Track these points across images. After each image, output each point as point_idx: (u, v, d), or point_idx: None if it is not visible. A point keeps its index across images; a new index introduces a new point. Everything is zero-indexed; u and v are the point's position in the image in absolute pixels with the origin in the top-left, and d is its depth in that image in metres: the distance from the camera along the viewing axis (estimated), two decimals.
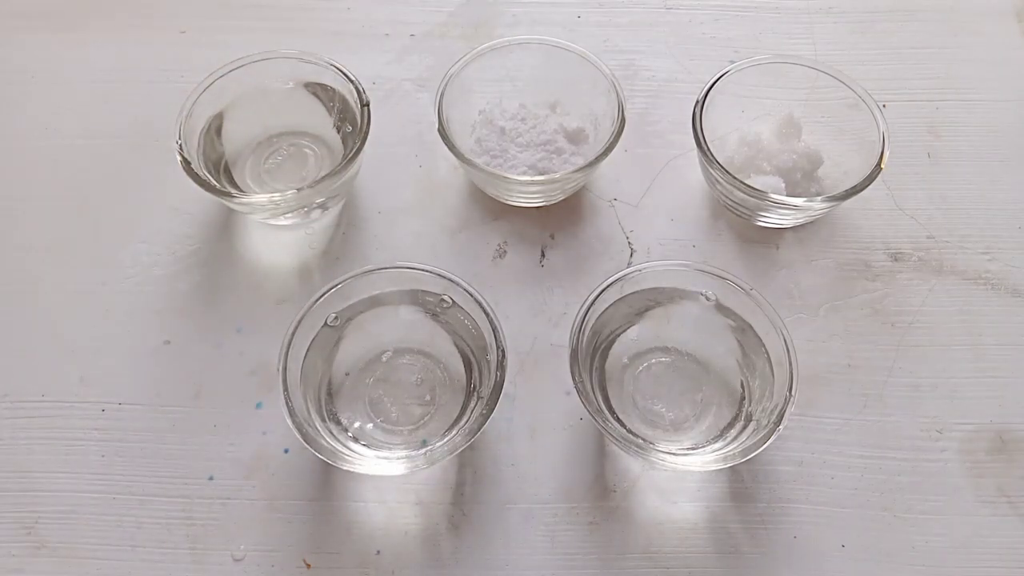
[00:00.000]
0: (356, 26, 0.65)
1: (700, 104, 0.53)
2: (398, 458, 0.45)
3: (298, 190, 0.50)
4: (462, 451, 0.44)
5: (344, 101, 0.54)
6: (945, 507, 0.47)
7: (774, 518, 0.46)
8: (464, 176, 0.57)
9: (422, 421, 0.48)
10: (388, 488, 0.47)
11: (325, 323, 0.47)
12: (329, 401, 0.48)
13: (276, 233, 0.56)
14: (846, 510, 0.47)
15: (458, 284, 0.47)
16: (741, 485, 0.47)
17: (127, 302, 0.53)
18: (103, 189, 0.57)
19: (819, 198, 0.51)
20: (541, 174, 0.53)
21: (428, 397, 0.49)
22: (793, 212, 0.52)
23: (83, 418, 0.49)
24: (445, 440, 0.44)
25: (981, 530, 0.46)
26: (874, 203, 0.56)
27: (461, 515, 0.47)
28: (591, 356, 0.47)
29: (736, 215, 0.55)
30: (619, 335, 0.49)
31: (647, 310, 0.50)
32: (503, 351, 0.45)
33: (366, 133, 0.52)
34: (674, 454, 0.44)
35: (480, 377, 0.47)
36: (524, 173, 0.54)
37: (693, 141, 0.53)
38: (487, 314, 0.46)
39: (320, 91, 0.55)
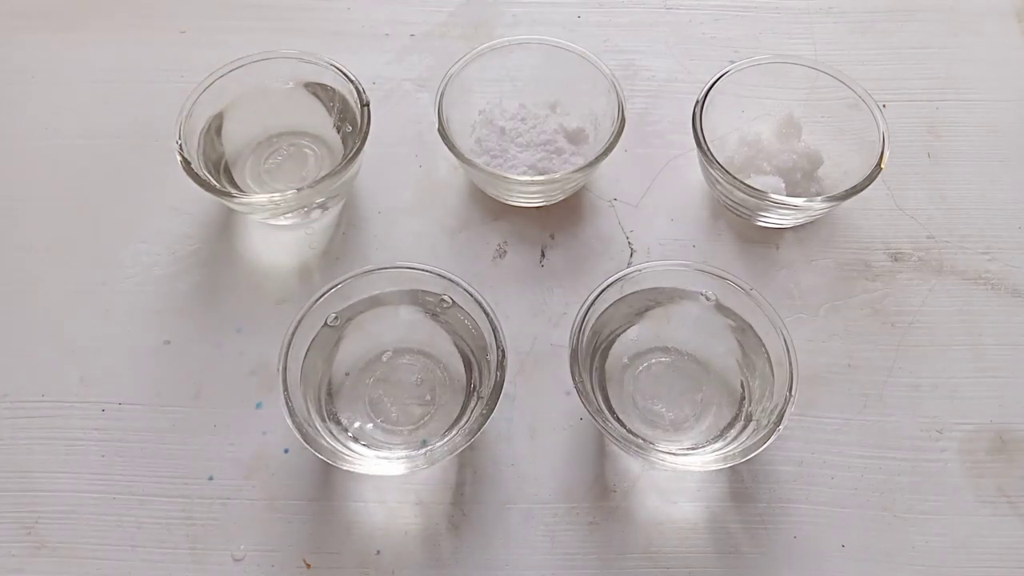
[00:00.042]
0: (356, 26, 0.65)
1: (700, 104, 0.53)
2: (398, 458, 0.45)
3: (298, 190, 0.50)
4: (462, 451, 0.44)
5: (344, 101, 0.54)
6: (945, 507, 0.47)
7: (774, 518, 0.46)
8: (464, 176, 0.57)
9: (422, 421, 0.48)
10: (388, 488, 0.47)
11: (325, 323, 0.47)
12: (329, 401, 0.48)
13: (276, 233, 0.56)
14: (846, 510, 0.47)
15: (458, 284, 0.47)
16: (741, 485, 0.47)
17: (127, 302, 0.53)
18: (103, 189, 0.57)
19: (819, 198, 0.51)
20: (541, 174, 0.53)
21: (428, 397, 0.49)
22: (793, 212, 0.52)
23: (83, 418, 0.49)
24: (445, 440, 0.44)
25: (981, 530, 0.46)
26: (874, 203, 0.56)
27: (461, 515, 0.47)
28: (591, 356, 0.47)
29: (736, 215, 0.55)
30: (619, 335, 0.49)
31: (647, 310, 0.50)
32: (503, 351, 0.45)
33: (366, 133, 0.52)
34: (674, 454, 0.44)
35: (480, 377, 0.47)
36: (524, 173, 0.54)
37: (693, 141, 0.53)
38: (487, 314, 0.46)
39: (320, 91, 0.55)
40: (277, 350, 0.45)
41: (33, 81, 0.62)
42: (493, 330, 0.45)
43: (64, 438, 0.49)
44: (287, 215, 0.53)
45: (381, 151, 0.57)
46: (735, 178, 0.51)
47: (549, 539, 0.46)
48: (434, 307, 0.49)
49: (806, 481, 0.47)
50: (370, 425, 0.48)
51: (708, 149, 0.52)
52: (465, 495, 0.47)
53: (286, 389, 0.44)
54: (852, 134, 0.54)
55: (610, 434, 0.44)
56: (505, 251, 0.55)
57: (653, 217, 0.56)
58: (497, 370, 0.44)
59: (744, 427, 0.46)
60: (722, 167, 0.52)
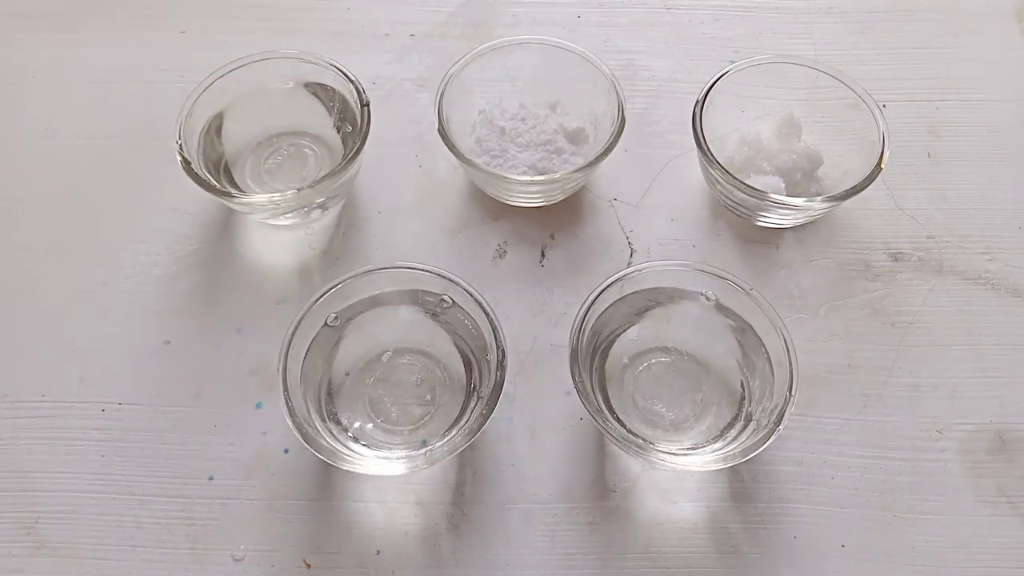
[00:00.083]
0: (356, 26, 0.65)
1: (700, 104, 0.53)
2: (398, 458, 0.45)
3: (298, 190, 0.50)
4: (462, 451, 0.44)
5: (344, 101, 0.54)
6: (945, 507, 0.47)
7: (774, 518, 0.46)
8: (464, 176, 0.57)
9: (422, 421, 0.48)
10: (388, 488, 0.47)
11: (325, 323, 0.47)
12: (329, 401, 0.48)
13: (276, 233, 0.56)
14: (846, 510, 0.47)
15: (458, 284, 0.47)
16: (741, 485, 0.47)
17: (127, 302, 0.53)
18: (103, 189, 0.57)
19: (819, 198, 0.51)
20: (541, 174, 0.53)
21: (428, 397, 0.49)
22: (793, 212, 0.52)
23: (83, 418, 0.49)
24: (445, 440, 0.44)
25: (981, 530, 0.46)
26: (874, 203, 0.56)
27: (461, 515, 0.47)
28: (591, 356, 0.47)
29: (736, 215, 0.55)
30: (619, 335, 0.49)
31: (647, 310, 0.50)
32: (503, 351, 0.45)
33: (366, 133, 0.52)
34: (674, 454, 0.44)
35: (480, 377, 0.47)
36: (524, 173, 0.54)
37: (693, 141, 0.53)
38: (487, 314, 0.46)
39: (320, 91, 0.55)
40: (277, 350, 0.45)
41: (33, 81, 0.62)
42: (493, 330, 0.45)
43: (64, 438, 0.49)
44: (287, 215, 0.53)
45: (381, 151, 0.57)
46: (735, 178, 0.51)
47: (549, 539, 0.46)
48: (434, 307, 0.49)
49: (806, 481, 0.47)
50: (370, 425, 0.48)
51: (708, 149, 0.52)
52: (465, 495, 0.47)
53: (286, 389, 0.44)
54: (852, 134, 0.54)
55: (610, 434, 0.44)
56: (505, 251, 0.55)
57: (653, 217, 0.56)
58: (497, 370, 0.44)
59: (744, 427, 0.46)
60: (722, 167, 0.52)
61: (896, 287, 0.54)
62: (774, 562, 0.45)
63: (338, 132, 0.55)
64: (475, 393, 0.47)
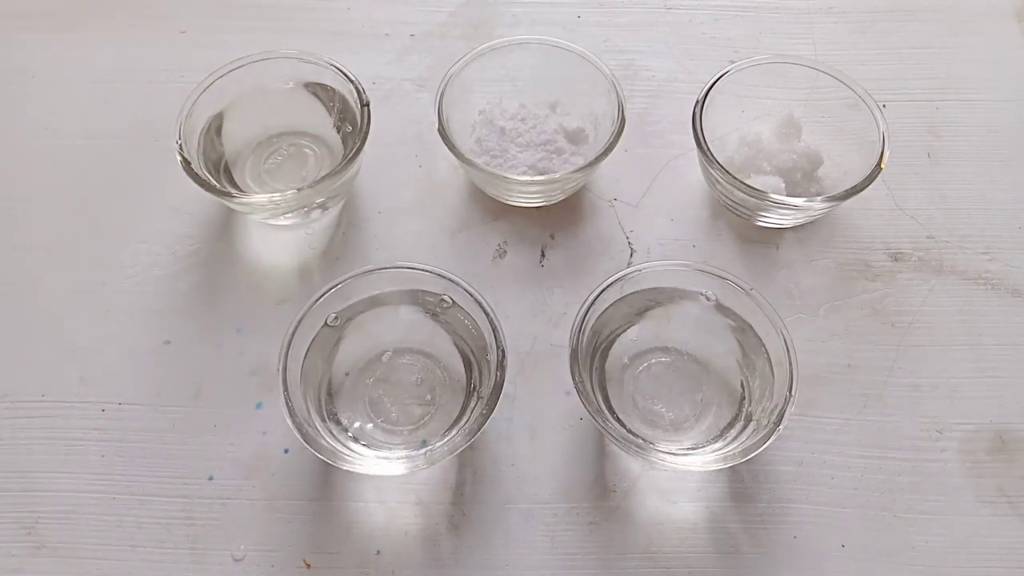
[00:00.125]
0: (356, 26, 0.65)
1: (700, 104, 0.53)
2: (398, 458, 0.45)
3: (298, 190, 0.50)
4: (462, 451, 0.44)
5: (344, 101, 0.54)
6: (945, 507, 0.47)
7: (774, 518, 0.46)
8: (464, 176, 0.57)
9: (422, 421, 0.48)
10: (388, 488, 0.47)
11: (325, 323, 0.47)
12: (329, 401, 0.48)
13: (276, 233, 0.56)
14: (846, 510, 0.47)
15: (458, 284, 0.47)
16: (741, 485, 0.47)
17: (127, 302, 0.53)
18: (103, 189, 0.57)
19: (819, 198, 0.51)
20: (541, 174, 0.53)
21: (428, 397, 0.49)
22: (793, 212, 0.52)
23: (83, 418, 0.49)
24: (445, 440, 0.44)
25: (981, 530, 0.46)
26: (874, 203, 0.56)
27: (461, 515, 0.47)
28: (591, 356, 0.47)
29: (736, 215, 0.55)
30: (619, 335, 0.49)
31: (647, 310, 0.50)
32: (503, 351, 0.45)
33: (366, 133, 0.52)
34: (674, 454, 0.44)
35: (480, 377, 0.47)
36: (524, 173, 0.54)
37: (693, 141, 0.53)
38: (487, 314, 0.46)
39: (320, 91, 0.55)
40: (277, 350, 0.45)
41: (33, 81, 0.62)
42: (493, 330, 0.45)
43: (64, 438, 0.49)
44: (287, 215, 0.53)
45: (381, 151, 0.57)
46: (735, 178, 0.51)
47: (549, 539, 0.46)
48: (434, 307, 0.49)
49: (806, 481, 0.47)
50: (370, 425, 0.48)
51: (708, 149, 0.52)
52: (465, 495, 0.47)
53: (286, 389, 0.44)
54: (852, 134, 0.54)
55: (610, 434, 0.44)
56: (505, 251, 0.55)
57: (653, 217, 0.56)
58: (497, 370, 0.44)
59: (744, 427, 0.46)
60: (722, 167, 0.52)
61: (896, 287, 0.54)
62: (774, 562, 0.45)
63: (338, 132, 0.55)
64: (475, 393, 0.47)
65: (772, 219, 0.54)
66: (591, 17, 0.66)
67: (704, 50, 0.64)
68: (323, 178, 0.50)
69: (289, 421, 0.43)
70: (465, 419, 0.46)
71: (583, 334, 0.46)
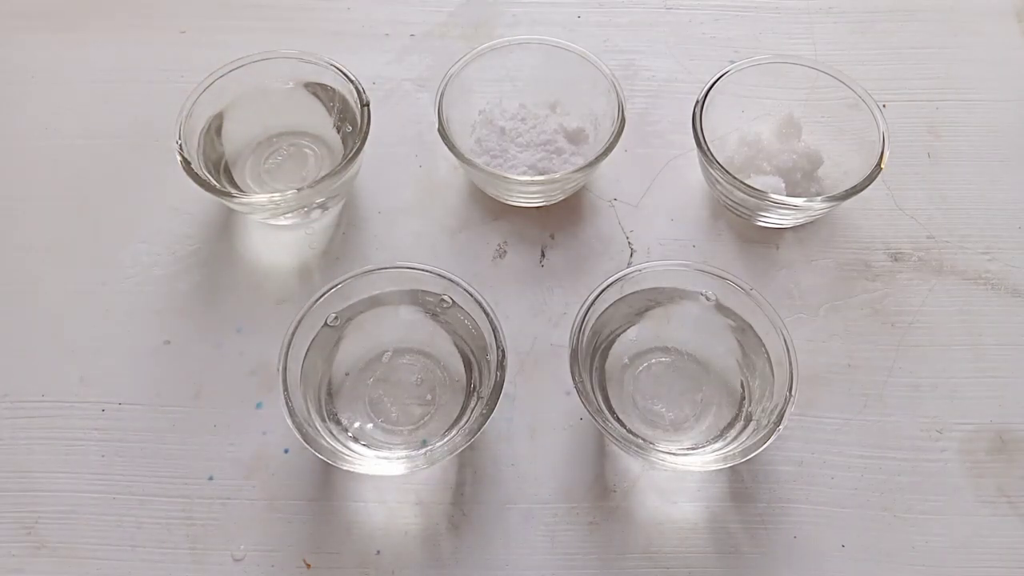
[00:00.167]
0: (356, 26, 0.65)
1: (700, 104, 0.53)
2: (398, 458, 0.45)
3: (298, 190, 0.50)
4: (462, 451, 0.44)
5: (344, 101, 0.54)
6: (945, 507, 0.47)
7: (774, 518, 0.46)
8: (464, 176, 0.57)
9: (422, 421, 0.48)
10: (388, 488, 0.47)
11: (325, 323, 0.47)
12: (329, 401, 0.48)
13: (276, 233, 0.56)
14: (846, 510, 0.47)
15: (458, 284, 0.47)
16: (741, 485, 0.47)
17: (127, 302, 0.53)
18: (103, 189, 0.57)
19: (819, 198, 0.51)
20: (541, 174, 0.53)
21: (428, 397, 0.49)
22: (793, 212, 0.52)
23: (83, 418, 0.49)
24: (445, 440, 0.44)
25: (981, 530, 0.46)
26: (874, 203, 0.56)
27: (461, 515, 0.47)
28: (591, 356, 0.47)
29: (736, 215, 0.55)
30: (619, 335, 0.49)
31: (647, 310, 0.50)
32: (503, 351, 0.45)
33: (366, 133, 0.52)
34: (674, 454, 0.44)
35: (480, 377, 0.47)
36: (524, 173, 0.54)
37: (693, 141, 0.53)
38: (487, 314, 0.46)
39: (320, 91, 0.55)
40: (277, 350, 0.45)
41: (33, 81, 0.62)
42: (493, 330, 0.45)
43: (64, 438, 0.49)
44: (287, 215, 0.53)
45: (381, 151, 0.57)
46: (735, 178, 0.51)
47: (549, 539, 0.46)
48: (434, 307, 0.49)
49: (806, 481, 0.47)
50: (370, 425, 0.48)
51: (708, 149, 0.52)
52: (465, 495, 0.47)
53: (286, 389, 0.44)
54: (852, 134, 0.54)
55: (610, 434, 0.44)
56: (505, 251, 0.55)
57: (653, 217, 0.56)
58: (497, 370, 0.44)
59: (744, 427, 0.46)
60: (722, 167, 0.52)
61: (896, 287, 0.54)
62: (774, 562, 0.45)
63: (338, 132, 0.55)
64: (475, 393, 0.47)
65: (772, 219, 0.54)
66: (591, 17, 0.66)
67: (704, 50, 0.64)
68: (323, 178, 0.50)
69: (289, 421, 0.43)
70: (465, 419, 0.46)
71: (583, 334, 0.46)
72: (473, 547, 0.46)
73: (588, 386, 0.45)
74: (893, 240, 0.55)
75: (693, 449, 0.46)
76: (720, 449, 0.45)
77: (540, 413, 0.49)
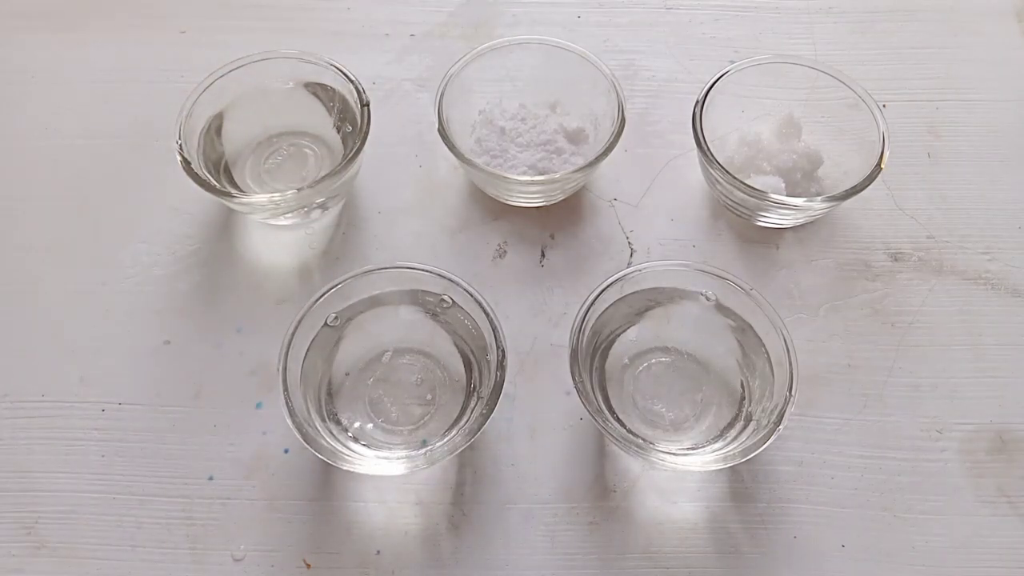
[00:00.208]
0: (356, 26, 0.65)
1: (700, 104, 0.53)
2: (398, 458, 0.45)
3: (298, 190, 0.50)
4: (462, 451, 0.44)
5: (344, 101, 0.54)
6: (945, 507, 0.47)
7: (774, 518, 0.46)
8: (464, 176, 0.57)
9: (422, 421, 0.48)
10: (388, 488, 0.47)
11: (325, 323, 0.47)
12: (329, 401, 0.48)
13: (276, 233, 0.56)
14: (846, 510, 0.47)
15: (458, 284, 0.47)
16: (741, 485, 0.47)
17: (127, 302, 0.53)
18: (103, 189, 0.57)
19: (819, 198, 0.51)
20: (541, 174, 0.53)
21: (428, 397, 0.49)
22: (793, 212, 0.52)
23: (83, 418, 0.49)
24: (445, 440, 0.44)
25: (981, 530, 0.46)
26: (874, 203, 0.56)
27: (461, 515, 0.47)
28: (591, 356, 0.47)
29: (736, 215, 0.55)
30: (619, 335, 0.49)
31: (647, 310, 0.50)
32: (503, 351, 0.45)
33: (366, 133, 0.52)
34: (674, 454, 0.44)
35: (480, 377, 0.47)
36: (524, 173, 0.54)
37: (693, 141, 0.53)
38: (487, 314, 0.46)
39: (320, 91, 0.55)
40: (277, 350, 0.45)
41: (33, 81, 0.62)
42: (493, 330, 0.45)
43: (64, 438, 0.49)
44: (287, 215, 0.53)
45: (381, 151, 0.57)
46: (735, 178, 0.51)
47: (549, 539, 0.46)
48: (434, 307, 0.49)
49: (806, 481, 0.47)
50: (370, 425, 0.48)
51: (708, 149, 0.52)
52: (465, 495, 0.47)
53: (286, 389, 0.44)
54: (852, 134, 0.54)
55: (610, 434, 0.44)
56: (505, 251, 0.55)
57: (653, 217, 0.56)
58: (497, 370, 0.44)
59: (744, 427, 0.46)
60: (722, 167, 0.52)
61: (896, 287, 0.54)
62: (774, 562, 0.45)
63: (338, 132, 0.55)
64: (475, 393, 0.47)
65: (772, 219, 0.54)
66: (591, 17, 0.66)
67: (704, 50, 0.64)
68: (323, 178, 0.50)
69: (289, 421, 0.43)
70: (465, 419, 0.46)
71: (583, 334, 0.46)
72: (473, 547, 0.46)
73: (588, 386, 0.45)
74: (893, 240, 0.55)
75: (693, 449, 0.46)
76: (720, 449, 0.45)
77: (540, 413, 0.49)
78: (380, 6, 0.66)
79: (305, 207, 0.53)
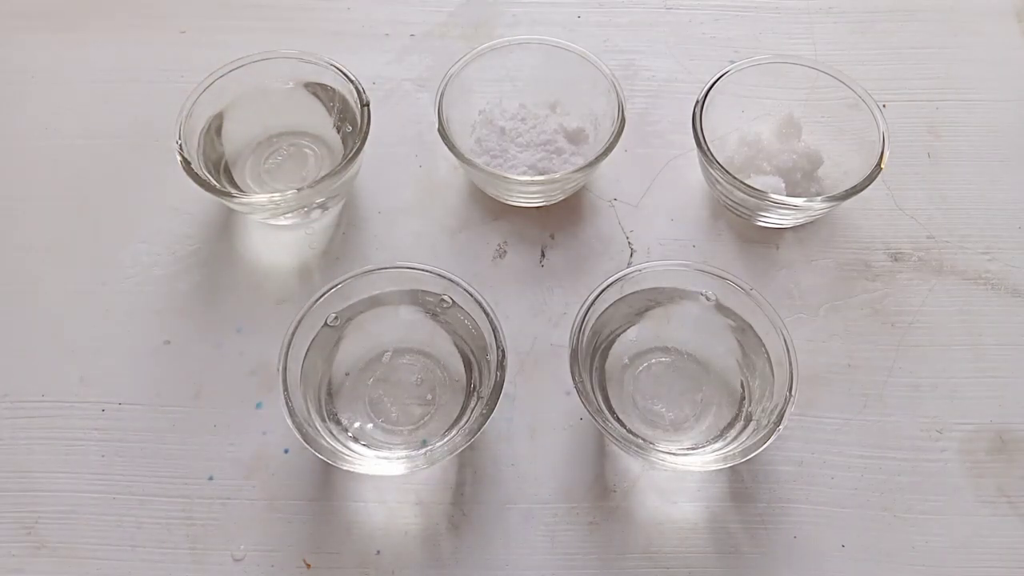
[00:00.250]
0: (356, 26, 0.65)
1: (700, 104, 0.53)
2: (398, 458, 0.45)
3: (298, 190, 0.50)
4: (462, 451, 0.44)
5: (344, 101, 0.54)
6: (945, 507, 0.47)
7: (774, 518, 0.46)
8: (464, 176, 0.57)
9: (422, 421, 0.48)
10: (388, 488, 0.47)
11: (325, 323, 0.47)
12: (329, 401, 0.48)
13: (276, 233, 0.56)
14: (846, 510, 0.47)
15: (458, 284, 0.47)
16: (741, 485, 0.47)
17: (127, 302, 0.53)
18: (103, 189, 0.57)
19: (819, 198, 0.51)
20: (541, 174, 0.53)
21: (428, 397, 0.49)
22: (793, 212, 0.52)
23: (83, 418, 0.49)
24: (445, 440, 0.44)
25: (981, 530, 0.46)
26: (874, 203, 0.56)
27: (461, 515, 0.47)
28: (591, 356, 0.47)
29: (736, 215, 0.55)
30: (619, 335, 0.49)
31: (647, 310, 0.50)
32: (503, 351, 0.45)
33: (366, 133, 0.52)
34: (674, 454, 0.44)
35: (480, 377, 0.47)
36: (524, 173, 0.54)
37: (693, 141, 0.53)
38: (487, 314, 0.46)
39: (320, 91, 0.55)
40: (277, 350, 0.45)
41: (33, 81, 0.62)
42: (493, 330, 0.45)
43: (64, 438, 0.49)
44: (287, 215, 0.53)
45: (381, 151, 0.57)
46: (735, 178, 0.51)
47: (549, 539, 0.46)
48: (434, 307, 0.49)
49: (806, 481, 0.47)
50: (370, 425, 0.48)
51: (708, 149, 0.52)
52: (465, 495, 0.47)
53: (286, 389, 0.44)
54: (852, 134, 0.54)
55: (610, 434, 0.44)
56: (505, 251, 0.55)
57: (653, 217, 0.56)
58: (497, 370, 0.44)
59: (744, 427, 0.46)
60: (722, 167, 0.52)
61: (896, 287, 0.54)
62: (774, 562, 0.45)
63: (338, 132, 0.55)
64: (475, 393, 0.47)
65: (772, 219, 0.54)
66: (591, 17, 0.66)
67: (704, 50, 0.64)
68: (323, 178, 0.50)
69: (289, 421, 0.43)
70: (465, 419, 0.46)
71: (583, 334, 0.46)
72: (473, 547, 0.46)
73: (588, 386, 0.45)
74: (893, 240, 0.55)
75: (693, 449, 0.46)
76: (720, 449, 0.45)
77: (540, 413, 0.49)
78: (380, 6, 0.66)
79: (305, 207, 0.53)
